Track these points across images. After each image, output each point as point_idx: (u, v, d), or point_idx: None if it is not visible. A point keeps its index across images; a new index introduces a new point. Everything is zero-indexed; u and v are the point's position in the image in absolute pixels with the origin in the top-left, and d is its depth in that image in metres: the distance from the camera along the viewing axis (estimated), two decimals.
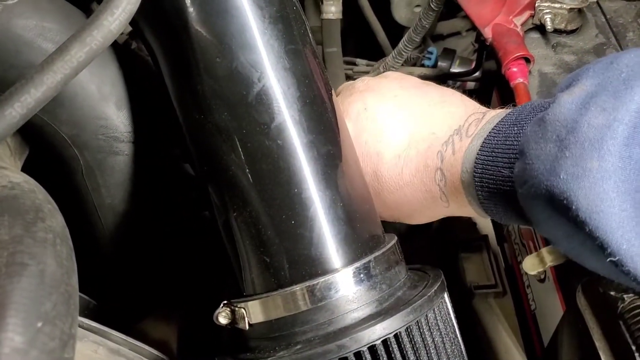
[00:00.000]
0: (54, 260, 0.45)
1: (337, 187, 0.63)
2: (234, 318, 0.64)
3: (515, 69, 0.76)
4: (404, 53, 1.10)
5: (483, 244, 0.86)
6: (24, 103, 0.49)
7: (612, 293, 0.55)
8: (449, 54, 1.25)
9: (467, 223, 0.90)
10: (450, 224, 0.92)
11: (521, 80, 0.75)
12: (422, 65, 1.28)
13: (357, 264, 0.62)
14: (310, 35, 0.67)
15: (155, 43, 0.65)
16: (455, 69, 1.24)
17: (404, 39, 1.08)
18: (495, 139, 0.60)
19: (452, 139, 0.65)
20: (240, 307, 0.64)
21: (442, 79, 1.25)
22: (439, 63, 1.26)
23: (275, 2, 0.62)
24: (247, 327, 0.63)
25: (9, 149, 0.72)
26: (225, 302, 0.65)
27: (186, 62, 0.61)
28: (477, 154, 0.61)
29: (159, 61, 0.65)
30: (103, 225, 0.80)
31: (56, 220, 0.50)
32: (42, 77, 0.52)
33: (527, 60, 0.78)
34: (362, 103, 0.75)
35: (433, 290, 0.63)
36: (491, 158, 0.59)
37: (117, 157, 0.73)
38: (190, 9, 0.60)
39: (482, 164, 0.60)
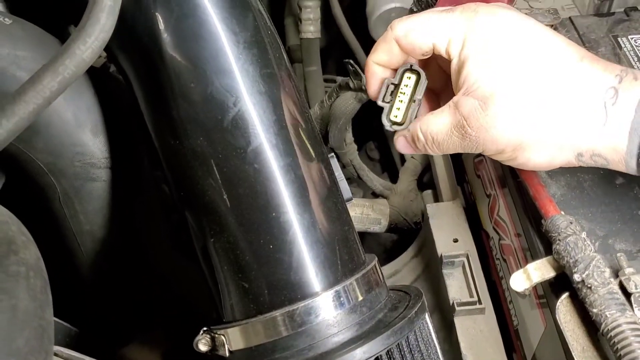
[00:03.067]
0: (27, 294, 0.44)
1: (315, 210, 0.63)
2: (214, 345, 0.64)
3: None
4: None
5: (464, 260, 0.86)
6: None
7: (594, 310, 0.55)
8: None
9: (448, 240, 0.90)
10: (431, 240, 0.92)
11: None
12: None
13: (337, 287, 0.61)
14: (286, 58, 0.67)
15: (129, 68, 0.65)
16: None
17: None
18: None
19: (627, 71, 0.58)
20: (219, 334, 0.63)
21: None
22: None
23: (249, 27, 0.62)
24: (227, 354, 0.62)
25: None
26: (205, 329, 0.65)
27: (161, 88, 0.61)
28: None
29: (134, 87, 0.65)
30: (83, 252, 0.79)
31: (30, 252, 0.49)
32: (14, 108, 0.51)
33: None
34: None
35: (413, 311, 0.63)
36: None
37: (94, 184, 0.73)
38: (164, 35, 0.60)
39: None
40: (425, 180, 1.32)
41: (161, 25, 0.60)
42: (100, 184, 0.73)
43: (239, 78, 0.60)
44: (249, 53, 0.61)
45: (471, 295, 0.83)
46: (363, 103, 1.19)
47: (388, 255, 1.26)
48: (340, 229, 0.65)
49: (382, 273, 0.69)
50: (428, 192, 1.12)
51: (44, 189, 0.72)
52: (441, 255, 0.87)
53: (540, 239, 0.67)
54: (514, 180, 0.73)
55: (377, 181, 1.39)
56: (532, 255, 0.68)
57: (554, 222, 0.61)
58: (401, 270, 1.03)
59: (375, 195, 1.40)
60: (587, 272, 0.55)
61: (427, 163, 1.24)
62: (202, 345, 0.64)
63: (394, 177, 1.48)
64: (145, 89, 0.64)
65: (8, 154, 0.67)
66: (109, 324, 0.90)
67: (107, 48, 0.63)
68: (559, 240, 0.59)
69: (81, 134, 0.69)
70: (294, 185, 0.62)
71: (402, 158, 1.40)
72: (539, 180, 0.67)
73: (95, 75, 0.74)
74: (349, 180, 1.46)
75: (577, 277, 0.56)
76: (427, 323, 0.65)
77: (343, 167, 1.44)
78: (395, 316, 0.63)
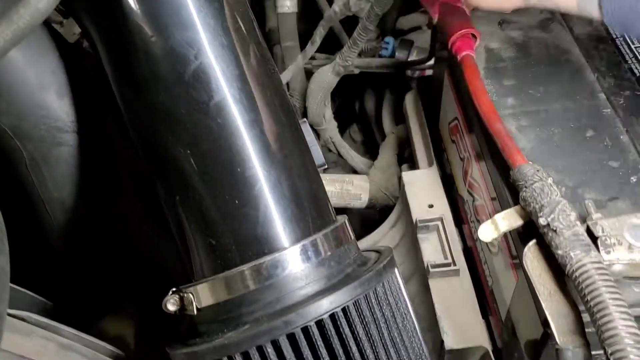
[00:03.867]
0: None
1: (282, 166, 0.62)
2: (182, 304, 0.63)
3: (461, 44, 0.76)
4: (359, 42, 1.10)
5: (439, 224, 0.85)
6: None
7: (559, 252, 0.54)
8: (406, 44, 1.26)
9: (424, 205, 0.90)
10: (408, 207, 0.92)
11: (468, 52, 0.75)
12: (380, 56, 1.28)
13: (305, 242, 0.61)
14: (251, 15, 0.67)
15: (92, 27, 0.64)
16: (413, 59, 1.24)
17: (358, 28, 1.08)
18: None
19: None
20: (188, 292, 0.62)
21: (399, 68, 1.25)
22: (397, 54, 1.26)
23: None
24: (195, 311, 0.62)
25: None
26: (174, 289, 0.64)
27: (122, 44, 0.60)
28: None
29: (99, 49, 0.64)
30: (52, 220, 0.78)
31: None
32: None
33: (474, 36, 0.78)
34: None
35: (382, 265, 0.62)
36: None
37: (61, 148, 0.72)
38: None
39: None
40: (407, 156, 1.32)
41: None
42: (67, 149, 0.72)
43: (200, 31, 0.59)
44: (211, 6, 0.61)
45: (445, 257, 0.83)
46: (340, 77, 1.19)
47: (369, 232, 1.26)
48: (308, 186, 0.64)
49: (352, 231, 0.68)
50: (406, 165, 1.12)
51: (9, 154, 0.71)
52: (416, 220, 0.87)
53: (509, 190, 0.66)
54: (484, 135, 0.73)
55: (357, 158, 1.39)
56: (502, 208, 0.68)
57: (521, 170, 0.61)
58: (380, 241, 1.02)
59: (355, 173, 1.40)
60: (552, 216, 0.55)
61: (407, 139, 1.24)
62: (171, 305, 0.64)
63: (375, 158, 1.48)
64: (108, 47, 0.63)
65: None
66: (81, 296, 0.89)
67: (75, 14, 0.63)
68: (525, 187, 0.59)
69: (45, 95, 0.68)
70: (259, 140, 0.61)
71: (384, 136, 1.40)
72: (507, 132, 0.67)
73: (63, 42, 0.73)
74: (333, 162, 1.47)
75: (542, 220, 0.56)
76: (396, 277, 0.65)
77: (323, 145, 1.44)
78: (364, 270, 0.63)
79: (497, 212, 0.68)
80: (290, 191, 0.62)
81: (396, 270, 0.65)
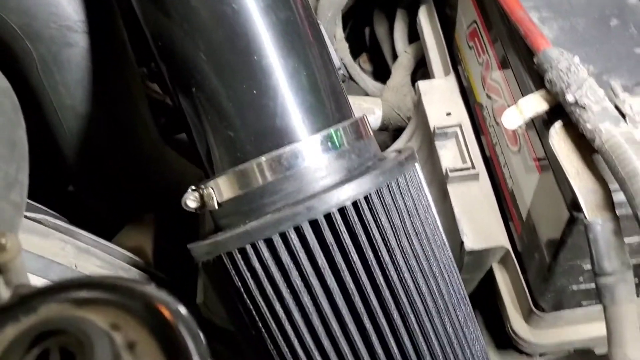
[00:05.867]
0: None
1: (299, 55, 0.60)
2: (202, 201, 0.63)
3: None
4: None
5: (457, 130, 0.84)
6: None
7: (589, 126, 0.53)
8: None
9: (441, 114, 0.88)
10: (424, 117, 0.90)
11: None
12: None
13: (324, 132, 0.60)
14: None
15: None
16: None
17: None
18: None
19: None
20: (208, 187, 0.62)
21: None
22: None
23: None
24: (217, 206, 0.61)
25: None
26: (192, 187, 0.64)
27: None
28: None
29: None
30: (65, 129, 0.77)
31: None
32: None
33: None
34: None
35: (404, 157, 0.62)
36: None
37: (72, 49, 0.70)
38: None
39: None
40: (419, 78, 1.29)
41: None
42: (79, 50, 0.71)
43: None
44: None
45: (464, 162, 0.82)
46: None
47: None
48: (326, 79, 0.63)
49: (371, 129, 0.67)
50: (421, 82, 1.10)
51: (20, 57, 0.70)
52: (434, 127, 0.85)
53: (531, 77, 0.64)
54: (505, 29, 0.71)
55: (369, 81, 1.36)
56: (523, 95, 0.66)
57: (546, 54, 0.59)
58: None
59: None
60: (580, 92, 0.53)
61: (421, 58, 1.21)
62: (191, 202, 0.63)
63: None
64: None
65: None
66: (97, 208, 0.89)
67: None
68: (550, 68, 0.57)
69: None
70: (276, 28, 0.59)
71: (396, 59, 1.37)
72: (529, 18, 0.64)
73: None
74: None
75: (570, 97, 0.54)
76: (417, 171, 0.64)
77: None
78: (385, 164, 0.62)
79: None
80: (309, 82, 0.60)
81: (417, 164, 0.64)
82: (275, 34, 0.59)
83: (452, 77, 0.95)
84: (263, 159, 0.58)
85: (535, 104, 0.58)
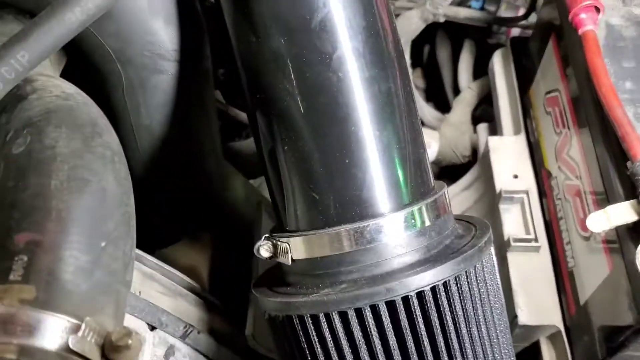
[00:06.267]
0: (114, 179, 0.43)
1: (394, 129, 0.60)
2: (275, 252, 0.63)
3: (584, 16, 0.71)
4: None
5: (524, 197, 0.83)
6: (84, 8, 0.46)
7: None
8: None
9: (508, 175, 0.88)
10: (489, 174, 0.89)
11: (591, 27, 0.70)
12: (469, 7, 1.22)
13: (409, 209, 0.59)
14: None
15: None
16: (502, 14, 1.19)
17: None
18: None
19: None
20: (283, 242, 0.62)
21: (488, 22, 1.19)
22: (485, 6, 1.21)
23: None
24: (290, 262, 0.61)
25: (48, 58, 0.69)
26: (266, 235, 0.64)
27: None
28: None
29: None
30: (138, 146, 0.78)
31: (112, 137, 0.47)
32: None
33: (597, 9, 0.73)
34: None
35: (483, 241, 0.61)
36: None
37: (160, 76, 0.70)
38: None
39: None
40: (478, 114, 1.28)
41: None
42: (166, 77, 0.71)
43: None
44: None
45: (527, 233, 0.81)
46: (427, 24, 1.14)
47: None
48: (416, 151, 0.63)
49: (449, 201, 0.67)
50: (484, 125, 1.09)
51: (108, 77, 0.70)
52: (500, 190, 0.85)
53: (621, 182, 0.64)
54: (598, 118, 0.70)
55: (426, 109, 1.35)
56: (608, 198, 0.66)
57: None
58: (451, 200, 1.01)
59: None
60: None
61: (484, 95, 1.20)
62: (264, 251, 0.64)
63: (440, 109, 1.44)
64: None
65: (77, 36, 0.64)
66: (157, 223, 0.90)
67: None
68: None
69: (154, 21, 0.66)
70: (377, 99, 0.59)
71: (456, 89, 1.36)
72: (629, 121, 0.64)
73: None
74: None
75: None
76: (492, 256, 0.64)
77: None
78: (462, 244, 0.62)
79: (599, 199, 0.66)
80: (399, 156, 0.60)
81: (492, 248, 0.64)
82: (375, 106, 0.58)
83: (522, 137, 0.93)
84: (347, 227, 0.58)
85: (624, 214, 0.58)
